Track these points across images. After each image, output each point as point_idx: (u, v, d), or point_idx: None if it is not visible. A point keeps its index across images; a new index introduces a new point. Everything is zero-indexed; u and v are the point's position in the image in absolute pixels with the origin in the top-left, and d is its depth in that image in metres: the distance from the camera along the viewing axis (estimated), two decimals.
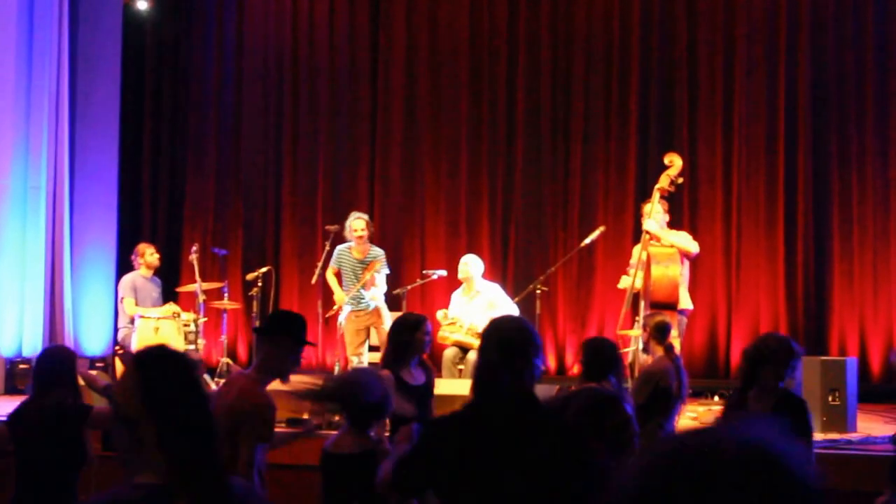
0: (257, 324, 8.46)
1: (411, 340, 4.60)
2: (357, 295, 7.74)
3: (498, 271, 9.41)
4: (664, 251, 6.99)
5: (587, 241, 7.58)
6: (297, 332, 3.58)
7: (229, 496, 1.77)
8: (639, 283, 7.03)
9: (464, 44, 9.77)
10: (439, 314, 7.90)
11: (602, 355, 4.37)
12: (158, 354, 1.87)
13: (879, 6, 8.83)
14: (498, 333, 2.57)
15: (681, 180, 7.18)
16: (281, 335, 3.55)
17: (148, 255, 8.36)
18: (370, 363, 7.48)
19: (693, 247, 7.06)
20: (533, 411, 2.41)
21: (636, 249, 7.28)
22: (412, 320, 4.77)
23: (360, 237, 7.78)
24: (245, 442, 3.30)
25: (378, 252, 7.92)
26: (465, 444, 2.35)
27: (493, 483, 2.29)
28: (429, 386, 4.68)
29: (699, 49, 9.24)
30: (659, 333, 5.05)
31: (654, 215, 7.04)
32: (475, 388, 2.51)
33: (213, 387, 6.14)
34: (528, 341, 2.51)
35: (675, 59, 9.29)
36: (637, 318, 6.91)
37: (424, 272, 8.72)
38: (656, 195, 7.07)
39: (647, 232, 7.01)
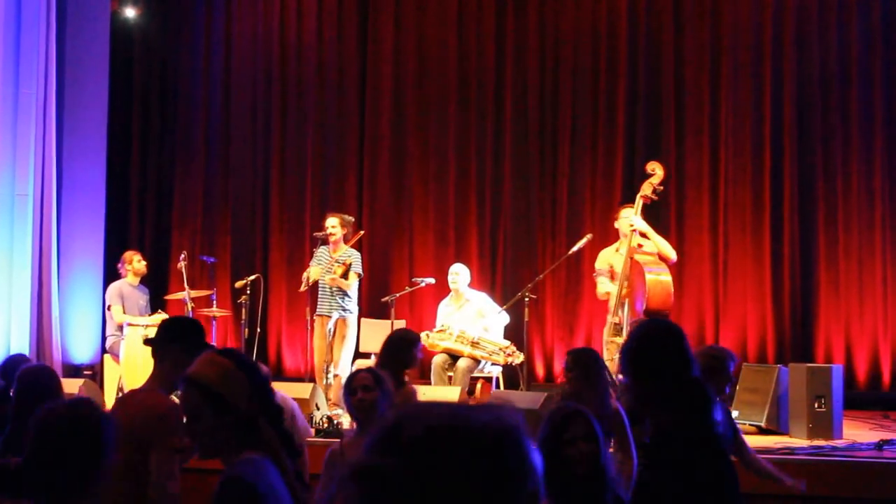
0: (249, 334, 8.46)
1: (405, 358, 4.58)
2: (335, 302, 7.70)
3: (486, 279, 9.44)
4: (650, 258, 7.07)
5: (574, 248, 7.62)
6: (190, 338, 3.34)
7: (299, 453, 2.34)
8: (613, 288, 7.10)
9: (452, 52, 9.80)
10: (423, 339, 7.84)
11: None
12: (246, 356, 2.31)
13: (862, 17, 8.92)
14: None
15: (662, 188, 7.28)
16: (173, 344, 3.33)
17: (135, 262, 8.35)
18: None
19: (674, 253, 7.18)
20: None
21: (607, 254, 7.33)
22: (407, 338, 4.73)
23: (330, 234, 7.76)
24: (157, 452, 3.15)
25: (352, 252, 7.83)
26: None
27: None
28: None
29: (686, 57, 9.31)
30: None
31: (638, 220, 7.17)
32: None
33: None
34: None
35: (661, 69, 9.35)
36: (618, 324, 6.95)
37: (413, 280, 8.74)
38: (639, 202, 7.18)
39: (634, 229, 7.08)
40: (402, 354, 4.57)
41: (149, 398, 3.33)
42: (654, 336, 2.45)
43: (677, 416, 2.33)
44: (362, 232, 8.37)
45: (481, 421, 1.07)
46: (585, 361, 4.51)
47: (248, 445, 2.14)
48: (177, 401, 3.35)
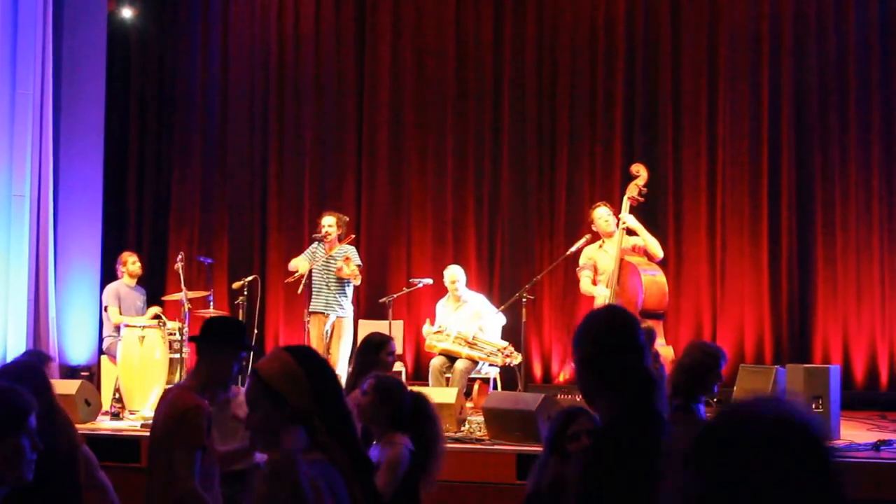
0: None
1: (376, 360, 4.59)
2: (333, 301, 7.75)
3: (484, 279, 9.44)
4: (641, 258, 7.13)
5: (573, 249, 7.63)
6: (235, 339, 3.44)
7: (368, 463, 2.31)
8: (607, 291, 7.11)
9: (450, 54, 9.80)
10: (424, 329, 7.88)
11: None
12: (317, 357, 2.32)
13: (860, 19, 8.92)
14: None
15: (646, 190, 7.37)
16: (218, 343, 3.41)
17: (129, 263, 8.35)
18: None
19: (661, 251, 7.26)
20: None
21: (590, 250, 7.36)
22: (377, 340, 4.73)
23: (326, 234, 7.78)
24: (179, 449, 3.22)
25: (347, 247, 7.87)
26: None
27: None
28: None
29: (683, 60, 9.31)
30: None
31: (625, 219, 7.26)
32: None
33: None
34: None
35: (659, 70, 9.35)
36: None
37: (410, 280, 8.74)
38: (626, 204, 7.29)
39: (626, 226, 7.15)
40: (370, 358, 4.58)
41: (177, 397, 3.38)
42: (604, 323, 2.41)
43: (624, 404, 2.28)
44: (353, 236, 8.37)
45: (802, 415, 1.18)
46: None
47: (308, 446, 2.17)
48: (205, 400, 3.37)
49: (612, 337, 2.33)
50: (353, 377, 4.60)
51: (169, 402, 3.39)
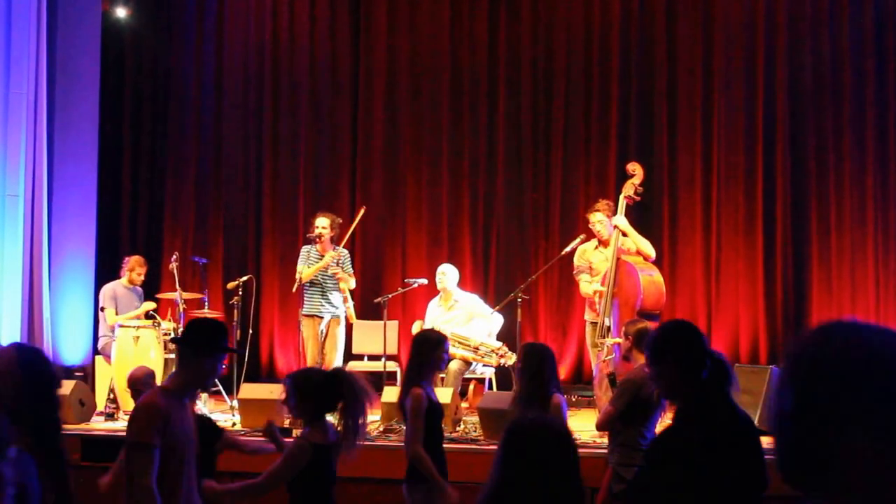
0: (241, 335, 8.43)
1: (433, 359, 4.57)
2: (327, 303, 7.73)
3: (479, 279, 9.44)
4: (638, 258, 7.13)
5: (568, 249, 7.63)
6: (216, 341, 3.46)
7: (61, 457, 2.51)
8: (603, 289, 7.12)
9: (444, 53, 9.80)
10: (415, 328, 7.85)
11: (549, 362, 4.74)
12: (40, 357, 2.55)
13: (854, 18, 8.94)
14: None
15: (642, 189, 7.36)
16: (199, 346, 3.42)
17: (135, 274, 8.31)
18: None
19: (653, 251, 7.25)
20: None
21: (585, 251, 7.36)
22: (434, 338, 4.68)
23: (319, 235, 7.75)
24: (129, 446, 3.28)
25: (342, 251, 7.84)
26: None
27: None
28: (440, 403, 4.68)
29: (678, 58, 9.32)
30: (641, 341, 5.06)
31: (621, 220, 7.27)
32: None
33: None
34: None
35: (654, 69, 9.36)
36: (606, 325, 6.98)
37: (405, 281, 8.73)
38: (623, 203, 7.29)
39: (617, 227, 7.15)
40: (428, 357, 4.55)
41: (143, 397, 3.42)
42: (689, 331, 3.01)
43: (702, 394, 2.86)
44: (364, 209, 8.33)
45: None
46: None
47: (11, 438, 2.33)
48: (164, 400, 3.33)
49: (698, 342, 2.94)
50: (412, 375, 4.52)
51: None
